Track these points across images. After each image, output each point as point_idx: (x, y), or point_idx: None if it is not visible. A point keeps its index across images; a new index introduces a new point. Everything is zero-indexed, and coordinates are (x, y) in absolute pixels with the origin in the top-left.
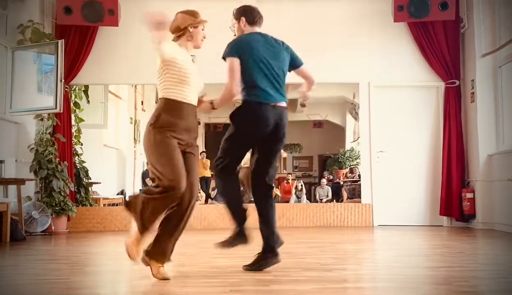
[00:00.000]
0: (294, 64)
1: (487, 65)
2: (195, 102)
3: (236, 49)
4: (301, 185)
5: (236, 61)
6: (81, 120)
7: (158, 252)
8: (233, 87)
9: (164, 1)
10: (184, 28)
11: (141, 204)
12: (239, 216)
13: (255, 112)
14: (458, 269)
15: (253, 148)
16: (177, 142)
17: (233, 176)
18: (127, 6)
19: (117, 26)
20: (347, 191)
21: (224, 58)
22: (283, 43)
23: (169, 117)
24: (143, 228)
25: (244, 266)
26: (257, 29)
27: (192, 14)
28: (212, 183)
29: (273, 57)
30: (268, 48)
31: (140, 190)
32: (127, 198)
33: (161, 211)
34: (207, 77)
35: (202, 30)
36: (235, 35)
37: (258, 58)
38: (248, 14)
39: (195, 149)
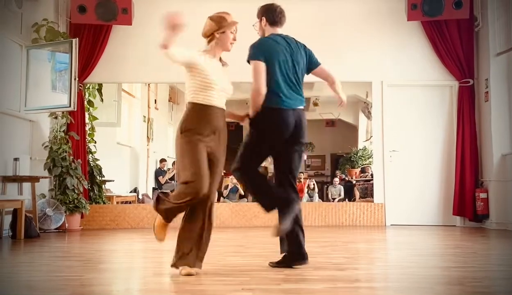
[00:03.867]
0: (311, 65)
1: (501, 64)
2: (222, 106)
3: (261, 52)
4: (313, 184)
5: (261, 64)
6: (95, 118)
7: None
8: (261, 87)
9: (177, 0)
10: (211, 34)
11: (168, 205)
12: (280, 201)
13: (278, 118)
14: (471, 269)
15: (273, 154)
16: (204, 145)
17: (257, 172)
18: (141, 5)
19: (131, 25)
20: (360, 190)
21: (248, 61)
22: (303, 46)
23: (196, 121)
24: (167, 220)
25: (270, 263)
26: (278, 30)
27: (219, 20)
28: (224, 182)
29: (294, 60)
30: (290, 51)
31: (154, 188)
32: (157, 196)
33: (183, 210)
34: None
35: (232, 32)
36: (258, 33)
37: (280, 62)
38: (269, 14)
39: (221, 152)
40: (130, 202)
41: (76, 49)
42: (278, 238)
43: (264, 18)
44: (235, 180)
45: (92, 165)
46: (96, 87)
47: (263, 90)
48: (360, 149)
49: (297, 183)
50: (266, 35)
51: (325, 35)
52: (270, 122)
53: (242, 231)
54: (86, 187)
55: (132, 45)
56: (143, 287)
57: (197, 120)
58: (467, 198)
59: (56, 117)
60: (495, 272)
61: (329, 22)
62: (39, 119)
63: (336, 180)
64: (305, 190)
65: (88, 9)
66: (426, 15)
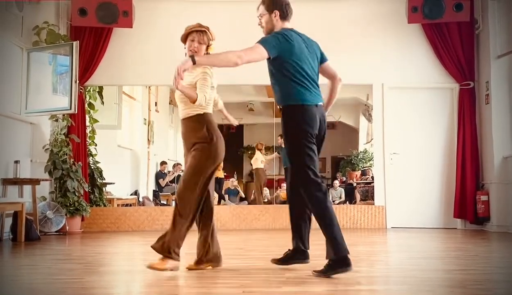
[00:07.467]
0: (321, 60)
1: (502, 66)
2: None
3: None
4: None
5: (265, 53)
6: (95, 120)
7: None
8: (241, 60)
9: (178, 3)
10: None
11: None
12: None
13: (311, 114)
14: (473, 272)
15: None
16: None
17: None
18: (141, 8)
19: (131, 27)
20: (360, 192)
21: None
22: (315, 42)
23: None
24: None
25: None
26: (287, 24)
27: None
28: (225, 184)
29: (311, 57)
30: (307, 47)
31: (155, 191)
32: None
33: None
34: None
35: (192, 40)
36: (263, 28)
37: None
38: (283, 8)
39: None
40: (130, 205)
41: (77, 52)
42: (279, 242)
43: (277, 12)
44: (235, 183)
45: (92, 167)
46: (97, 90)
47: (239, 63)
48: (360, 152)
49: None
50: (275, 30)
51: (325, 38)
52: (305, 118)
53: (243, 234)
54: (86, 189)
55: (132, 48)
56: (144, 290)
57: None
58: (468, 201)
59: (56, 120)
60: (496, 274)
61: (329, 24)
62: (40, 122)
63: (337, 182)
64: None
65: (89, 11)
66: (426, 17)
